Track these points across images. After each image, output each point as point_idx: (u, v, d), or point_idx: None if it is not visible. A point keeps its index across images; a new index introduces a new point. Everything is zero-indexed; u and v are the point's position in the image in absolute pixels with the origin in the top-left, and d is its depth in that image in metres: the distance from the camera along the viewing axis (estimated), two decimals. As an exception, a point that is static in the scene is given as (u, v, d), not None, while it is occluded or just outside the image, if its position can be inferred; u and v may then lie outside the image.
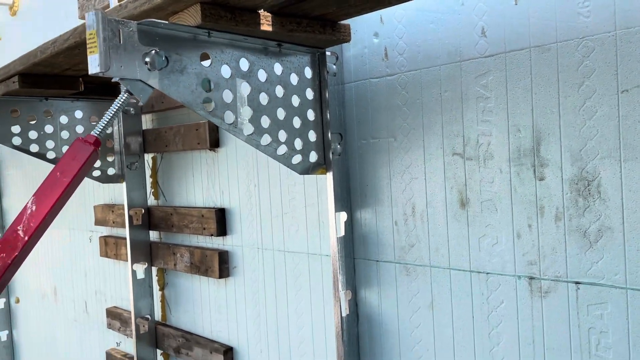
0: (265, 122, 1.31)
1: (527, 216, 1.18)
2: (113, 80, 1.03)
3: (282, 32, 1.21)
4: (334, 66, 1.49)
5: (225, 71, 1.21)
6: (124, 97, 1.05)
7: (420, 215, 1.38)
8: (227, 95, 1.22)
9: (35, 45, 2.94)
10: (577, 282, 1.12)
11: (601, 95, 1.06)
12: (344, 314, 1.49)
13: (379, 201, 1.47)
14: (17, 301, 3.59)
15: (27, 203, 0.95)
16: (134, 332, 2.21)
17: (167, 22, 1.06)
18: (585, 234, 1.10)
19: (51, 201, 0.93)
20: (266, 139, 1.31)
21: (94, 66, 0.95)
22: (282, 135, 1.35)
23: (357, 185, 1.52)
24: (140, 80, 1.05)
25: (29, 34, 3.15)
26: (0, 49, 3.51)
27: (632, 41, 1.02)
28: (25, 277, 3.48)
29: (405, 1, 1.18)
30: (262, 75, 1.30)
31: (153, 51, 1.06)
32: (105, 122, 1.06)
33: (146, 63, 1.05)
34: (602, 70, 1.06)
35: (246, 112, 1.26)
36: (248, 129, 1.27)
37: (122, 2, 1.17)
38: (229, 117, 1.23)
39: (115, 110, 1.06)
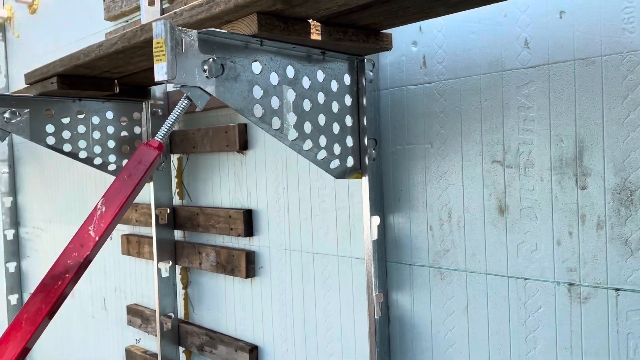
0: (307, 127, 1.33)
1: (567, 224, 1.21)
2: (174, 87, 1.05)
3: (329, 41, 1.24)
4: (371, 73, 1.51)
5: (274, 78, 1.24)
6: (184, 104, 1.07)
7: (456, 221, 1.41)
8: (275, 102, 1.24)
9: (53, 44, 2.97)
10: (617, 289, 1.15)
11: (646, 108, 1.10)
12: (376, 316, 1.52)
13: (413, 206, 1.50)
14: (32, 297, 3.60)
15: (97, 204, 0.98)
16: (158, 330, 2.24)
17: (225, 31, 1.09)
18: (627, 242, 1.13)
19: (119, 203, 0.96)
20: (308, 144, 1.34)
21: (161, 74, 0.98)
22: (323, 141, 1.38)
23: (391, 190, 1.55)
24: (199, 87, 1.08)
25: (47, 33, 3.17)
26: (17, 46, 3.53)
27: (678, 57, 1.05)
28: (41, 273, 3.50)
29: (452, 13, 1.20)
30: (306, 82, 1.32)
31: (211, 59, 1.09)
32: (167, 127, 1.08)
33: (204, 70, 1.08)
34: (647, 84, 1.09)
35: (291, 118, 1.29)
36: (292, 134, 1.30)
37: (176, 10, 1.19)
38: (276, 123, 1.25)
39: (176, 115, 1.09)
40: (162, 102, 2.18)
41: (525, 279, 1.29)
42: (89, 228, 0.93)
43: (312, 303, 1.80)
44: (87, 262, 0.94)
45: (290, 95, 1.29)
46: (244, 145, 1.98)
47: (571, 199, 1.20)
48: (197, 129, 2.12)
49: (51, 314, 0.93)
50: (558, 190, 1.22)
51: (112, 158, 2.07)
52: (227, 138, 2.00)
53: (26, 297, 3.70)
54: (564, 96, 1.20)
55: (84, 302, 3.06)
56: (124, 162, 2.11)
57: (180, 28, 1.03)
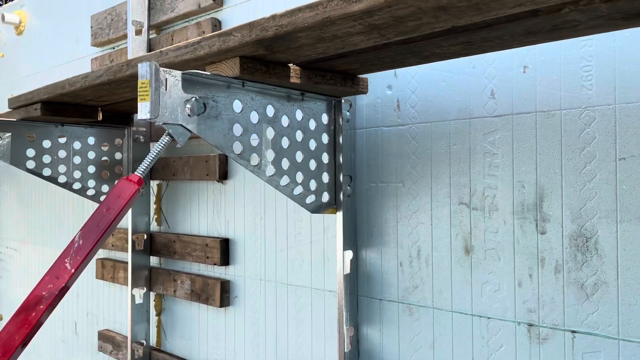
0: (285, 164, 1.39)
1: (528, 266, 1.27)
2: (157, 125, 1.10)
3: (308, 84, 1.30)
4: (348, 113, 1.58)
5: (254, 117, 1.30)
6: (165, 140, 1.12)
7: (425, 259, 1.46)
8: (254, 139, 1.30)
9: (39, 65, 2.99)
10: (573, 331, 1.21)
11: (600, 160, 1.17)
12: (346, 350, 1.55)
13: (385, 242, 1.55)
14: (1, 318, 3.54)
15: (75, 237, 1.00)
16: (129, 357, 2.23)
17: (209, 73, 1.15)
18: (583, 287, 1.19)
19: (97, 236, 0.99)
20: (285, 180, 1.39)
21: (144, 112, 1.02)
22: (299, 177, 1.43)
23: (364, 226, 1.60)
24: (181, 125, 1.12)
25: (33, 54, 3.20)
26: (2, 66, 3.54)
27: (630, 115, 1.14)
28: (13, 295, 3.44)
29: (423, 63, 1.28)
30: (285, 121, 1.38)
31: (194, 98, 1.14)
32: (148, 163, 1.12)
33: (187, 109, 1.13)
34: (602, 139, 1.17)
35: (269, 154, 1.34)
36: (270, 170, 1.35)
37: (162, 50, 1.24)
38: (255, 159, 1.30)
39: (157, 151, 1.13)
40: (144, 129, 2.22)
41: (489, 317, 1.34)
42: (66, 260, 0.96)
43: (284, 334, 1.83)
44: (62, 293, 0.96)
45: (270, 133, 1.35)
46: (223, 175, 2.02)
47: (532, 242, 1.27)
48: (178, 157, 2.16)
49: (24, 344, 0.94)
50: (520, 233, 1.29)
51: (91, 183, 2.09)
52: (208, 167, 2.04)
53: (-5, 318, 3.63)
54: (526, 145, 1.28)
55: (55, 326, 3.02)
56: (103, 187, 2.14)
57: (165, 69, 1.08)
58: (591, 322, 1.19)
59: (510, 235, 1.30)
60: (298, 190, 1.44)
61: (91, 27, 2.58)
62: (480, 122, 1.35)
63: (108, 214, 0.99)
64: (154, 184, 2.33)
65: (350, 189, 1.58)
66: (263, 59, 1.18)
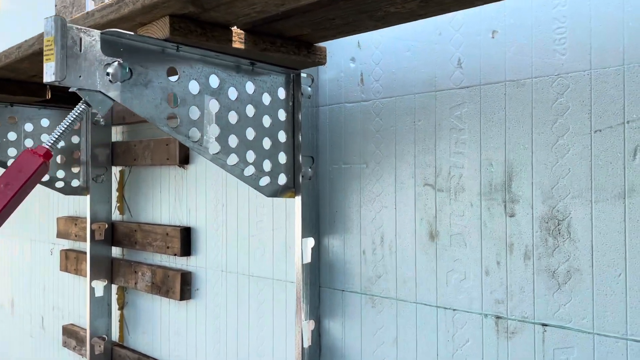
0: (233, 141, 1.26)
1: (496, 252, 1.15)
2: (70, 90, 0.97)
3: (254, 51, 1.18)
4: (309, 88, 1.46)
5: (194, 87, 1.17)
6: (81, 108, 0.99)
7: (388, 246, 1.34)
8: (194, 112, 1.17)
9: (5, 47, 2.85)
10: (544, 324, 1.09)
11: (574, 134, 1.05)
12: (305, 345, 1.43)
13: (348, 229, 1.43)
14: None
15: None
16: (88, 353, 2.11)
17: (132, 33, 1.02)
18: (554, 275, 1.07)
19: (-8, 214, 0.87)
20: (233, 159, 1.27)
21: (49, 74, 0.90)
22: (251, 156, 1.30)
23: (327, 211, 1.48)
24: (100, 92, 1.00)
25: (5, 37, 3.07)
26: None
27: (606, 81, 1.01)
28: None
29: (381, 27, 1.15)
30: (232, 94, 1.26)
31: (116, 62, 1.01)
32: (59, 134, 1.00)
33: (108, 74, 1.00)
34: (576, 109, 1.05)
35: (213, 130, 1.22)
36: (214, 147, 1.22)
37: (89, 11, 1.12)
38: (195, 134, 1.18)
39: (70, 121, 1.00)
40: (95, 112, 2.09)
41: (454, 309, 1.22)
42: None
43: (245, 329, 1.70)
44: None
45: (214, 106, 1.22)
46: (184, 159, 1.90)
47: (500, 226, 1.14)
48: (139, 141, 2.03)
49: None
50: (487, 216, 1.16)
51: (45, 168, 1.96)
52: (168, 151, 1.92)
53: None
54: (494, 119, 1.15)
55: (24, 320, 2.90)
56: (59, 173, 2.01)
57: (78, 27, 0.95)
58: (563, 315, 1.06)
59: (477, 218, 1.18)
60: (249, 170, 1.31)
61: (55, 6, 2.46)
62: (447, 94, 1.23)
63: (6, 190, 0.87)
64: (116, 170, 2.20)
65: (312, 171, 1.46)
66: (197, 19, 1.06)
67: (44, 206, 2.69)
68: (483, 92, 1.17)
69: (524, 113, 1.11)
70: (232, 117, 1.26)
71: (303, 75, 1.44)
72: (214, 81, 1.22)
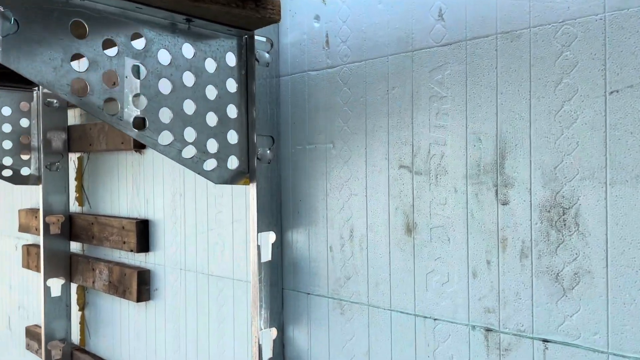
0: (165, 115, 1.04)
1: (485, 250, 0.92)
2: None
3: (183, 2, 0.95)
4: (267, 54, 1.23)
5: (110, 48, 0.95)
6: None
7: (359, 241, 1.11)
8: (109, 78, 0.95)
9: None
10: (544, 340, 0.86)
11: (584, 96, 0.81)
12: (265, 358, 1.21)
13: (313, 221, 1.20)
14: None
15: None
16: (43, 358, 1.91)
17: (8, -30, 0.80)
18: (558, 278, 0.84)
19: None
20: (166, 137, 1.04)
21: None
22: (190, 134, 1.08)
23: (290, 200, 1.25)
24: (-29, 48, 0.78)
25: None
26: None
27: (624, 27, 0.77)
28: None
29: (342, -31, 0.92)
30: (163, 57, 1.03)
31: (-6, 10, 0.79)
32: None
33: (-18, 25, 0.78)
34: (585, 65, 0.81)
35: (139, 101, 1.00)
36: (140, 123, 1.00)
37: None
38: (112, 106, 0.96)
39: None
40: None
41: (435, 319, 0.99)
42: None
43: (205, 335, 1.49)
44: None
45: (137, 71, 1.00)
46: (140, 143, 1.68)
47: (490, 217, 0.91)
48: (94, 124, 1.82)
49: None
50: (474, 205, 0.93)
51: (-12, 154, 1.76)
52: (122, 134, 1.70)
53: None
54: (483, 82, 0.92)
55: (-9, 320, 2.71)
56: (6, 160, 1.80)
57: None
58: (569, 328, 0.83)
59: (462, 207, 0.95)
60: (189, 152, 1.09)
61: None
62: (426, 54, 0.99)
63: None
64: (73, 156, 1.99)
65: (272, 154, 1.23)
66: (99, -45, 0.83)
67: (6, 197, 2.50)
68: (470, 49, 0.93)
69: (519, 73, 0.87)
70: (164, 86, 1.03)
71: (260, 38, 1.21)
72: (138, 42, 0.99)
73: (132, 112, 0.98)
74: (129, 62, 0.98)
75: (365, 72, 1.09)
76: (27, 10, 0.84)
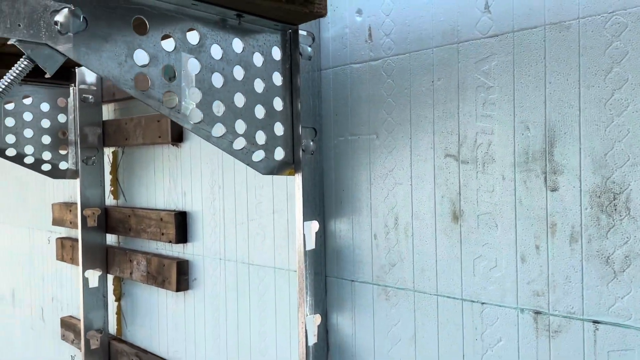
0: (218, 108, 1.07)
1: (534, 235, 0.95)
2: (9, 42, 0.79)
3: (239, -2, 0.98)
4: (310, 48, 1.26)
5: (168, 43, 0.98)
6: (22, 66, 0.82)
7: (404, 229, 1.15)
8: (169, 72, 0.98)
9: None
10: (595, 321, 0.89)
11: (635, 85, 0.84)
12: (310, 343, 1.25)
13: (357, 210, 1.24)
14: (-24, 304, 3.33)
15: None
16: (82, 347, 1.97)
17: (82, -30, 0.83)
18: (608, 261, 0.87)
19: None
20: (219, 129, 1.08)
21: (-27, 19, 0.72)
22: (240, 126, 1.12)
23: (333, 190, 1.29)
24: (47, 45, 0.82)
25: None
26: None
27: (677, 16, 0.80)
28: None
29: (392, -36, 0.95)
30: (216, 52, 1.07)
31: (66, 9, 0.83)
32: (-6, 97, 0.82)
33: (56, 23, 0.82)
34: (636, 54, 0.83)
35: (194, 94, 1.03)
36: (196, 115, 1.04)
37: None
38: (171, 99, 0.99)
39: (7, 83, 0.83)
40: (94, 88, 1.93)
41: (483, 303, 1.02)
42: None
43: (246, 323, 1.53)
44: None
45: (193, 66, 1.03)
46: (178, 137, 1.72)
47: (539, 203, 0.94)
48: (130, 118, 1.86)
49: None
50: (523, 192, 0.96)
51: (29, 149, 1.81)
52: (160, 128, 1.74)
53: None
54: (531, 72, 0.94)
55: (24, 311, 2.78)
56: (45, 154, 1.85)
57: (12, -39, 0.77)
58: (620, 310, 0.86)
59: (510, 194, 0.98)
60: (240, 143, 1.12)
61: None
62: (471, 46, 1.02)
63: None
64: (108, 151, 2.04)
65: (315, 145, 1.27)
66: (164, -45, 0.87)
67: (39, 192, 2.55)
68: (517, 40, 0.96)
69: (569, 63, 0.90)
70: (217, 80, 1.07)
71: (302, 32, 1.24)
72: (193, 37, 1.03)
73: (189, 105, 1.02)
74: (185, 57, 1.01)
75: (409, 64, 1.12)
76: (94, 8, 0.87)
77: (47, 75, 0.79)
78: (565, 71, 0.90)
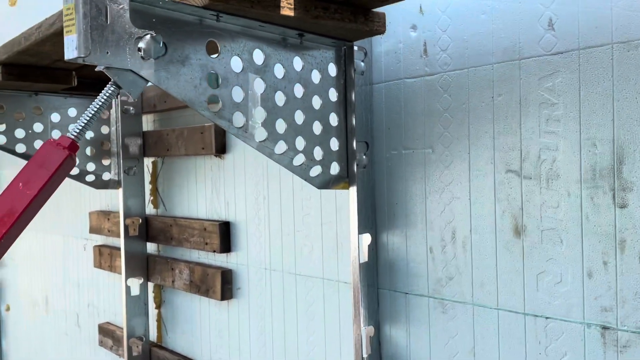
0: (281, 126, 1.09)
1: (601, 251, 0.96)
2: (97, 69, 0.82)
3: (305, 19, 1.00)
4: (362, 63, 1.28)
5: (236, 64, 1.01)
6: (109, 91, 0.84)
7: (462, 243, 1.16)
8: (237, 93, 1.01)
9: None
10: (667, 338, 0.90)
11: None
12: (364, 355, 1.27)
13: (411, 223, 1.25)
14: (8, 309, 3.39)
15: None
16: (125, 354, 2.00)
17: (166, 0, 0.86)
18: (682, 279, 0.88)
19: (9, 221, 0.72)
20: (281, 147, 1.10)
21: (70, 49, 0.74)
22: (300, 143, 1.14)
23: (385, 204, 1.30)
24: (131, 71, 0.84)
25: (28, 25, 2.96)
26: None
27: None
28: (16, 284, 3.28)
29: (458, -16, 0.96)
30: (279, 71, 1.09)
31: (148, 36, 0.85)
32: (86, 122, 0.85)
33: (139, 50, 0.85)
34: None
35: (259, 114, 1.05)
36: (261, 134, 1.06)
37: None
38: (239, 119, 1.01)
39: (98, 107, 0.85)
40: (135, 100, 1.96)
41: (547, 317, 1.03)
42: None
43: (294, 332, 1.55)
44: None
45: (259, 85, 1.05)
46: (221, 148, 1.74)
47: (607, 219, 0.95)
48: (171, 129, 1.89)
49: None
50: (590, 208, 0.97)
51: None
52: (203, 140, 1.76)
53: (3, 307, 3.48)
54: (598, 90, 0.95)
55: (58, 318, 2.83)
56: (89, 165, 1.89)
57: (103, -8, 0.79)
58: (695, 327, 0.87)
59: (576, 210, 0.98)
60: (299, 159, 1.14)
61: (78, -10, 2.32)
62: (534, 63, 1.03)
63: (26, 191, 0.72)
64: (148, 161, 2.07)
65: (367, 159, 1.28)
66: (241, -19, 0.89)
67: (75, 200, 2.59)
68: (582, 58, 0.97)
69: (638, 81, 0.91)
70: (280, 99, 1.09)
71: (355, 48, 1.26)
72: (258, 57, 1.05)
73: (255, 124, 1.04)
74: (252, 77, 1.03)
75: (467, 79, 1.13)
76: (173, 33, 0.90)
77: (132, 99, 0.81)
78: (635, 89, 0.91)
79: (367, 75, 1.30)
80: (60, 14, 1.16)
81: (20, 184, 0.73)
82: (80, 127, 0.84)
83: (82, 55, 0.75)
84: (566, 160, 0.99)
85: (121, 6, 0.82)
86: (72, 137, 0.82)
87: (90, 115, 0.84)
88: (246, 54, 1.02)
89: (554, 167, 1.01)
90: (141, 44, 0.84)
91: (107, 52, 0.80)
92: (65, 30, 0.75)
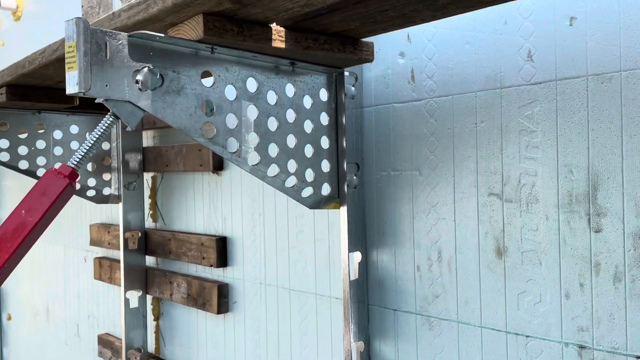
0: (273, 150, 1.14)
1: (578, 273, 1.00)
2: (97, 101, 0.87)
3: (296, 50, 1.05)
4: (353, 88, 1.33)
5: (230, 92, 1.06)
6: (108, 122, 0.89)
7: (447, 262, 1.20)
8: (231, 120, 1.06)
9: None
10: (638, 357, 0.94)
11: (676, 136, 0.89)
12: (355, 369, 1.31)
13: (399, 242, 1.30)
14: (9, 318, 3.43)
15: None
16: (124, 366, 2.04)
17: (162, 34, 0.91)
18: (652, 301, 0.92)
19: (12, 246, 0.77)
20: (274, 170, 1.15)
21: (72, 85, 0.79)
22: (292, 166, 1.18)
23: (374, 223, 1.35)
24: (129, 102, 0.89)
25: (33, 40, 3.03)
26: (3, 54, 3.40)
27: None
28: (18, 294, 3.32)
29: (440, 18, 1.01)
30: (271, 98, 1.14)
31: (146, 68, 0.90)
32: (85, 151, 0.90)
33: (137, 82, 0.90)
34: (678, 107, 0.89)
35: (252, 139, 1.10)
36: (254, 158, 1.11)
37: (115, 11, 1.01)
38: (232, 144, 1.06)
39: (97, 137, 0.90)
40: (132, 129, 2.01)
41: (527, 336, 1.07)
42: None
43: (287, 346, 1.59)
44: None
45: (252, 112, 1.10)
46: (218, 165, 1.79)
47: (582, 243, 0.99)
48: (170, 146, 1.94)
49: None
50: (567, 231, 1.01)
51: (75, 177, 1.89)
52: (201, 157, 1.81)
53: (4, 316, 3.52)
54: (574, 119, 1.00)
55: (58, 328, 2.87)
56: (90, 181, 1.94)
57: (103, 30, 0.84)
58: (665, 348, 0.91)
59: (554, 233, 1.03)
60: (291, 181, 1.19)
61: (82, 7, 2.38)
62: (515, 92, 1.08)
63: (28, 217, 0.77)
64: (148, 176, 2.12)
65: (357, 180, 1.33)
66: (233, 17, 0.94)
67: (76, 212, 2.64)
68: (560, 89, 1.02)
69: (611, 112, 0.95)
70: (272, 124, 1.14)
71: (346, 73, 1.31)
72: (251, 85, 1.10)
73: (248, 149, 1.08)
74: (245, 105, 1.08)
75: (452, 106, 1.18)
76: (169, 65, 0.95)
77: (129, 129, 0.86)
78: (608, 120, 0.96)
79: (358, 99, 1.35)
80: (63, 41, 1.22)
81: (23, 212, 0.78)
82: (80, 156, 0.88)
83: (83, 91, 0.80)
84: (544, 185, 1.04)
85: (120, 42, 0.87)
86: (72, 165, 0.87)
87: (90, 144, 0.89)
88: (240, 82, 1.07)
89: (533, 192, 1.06)
90: (139, 77, 0.89)
91: (107, 85, 0.85)
92: (67, 66, 0.80)
